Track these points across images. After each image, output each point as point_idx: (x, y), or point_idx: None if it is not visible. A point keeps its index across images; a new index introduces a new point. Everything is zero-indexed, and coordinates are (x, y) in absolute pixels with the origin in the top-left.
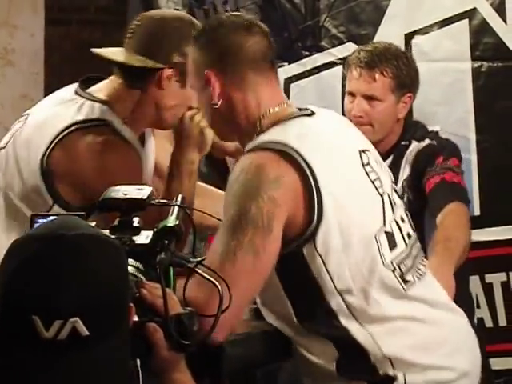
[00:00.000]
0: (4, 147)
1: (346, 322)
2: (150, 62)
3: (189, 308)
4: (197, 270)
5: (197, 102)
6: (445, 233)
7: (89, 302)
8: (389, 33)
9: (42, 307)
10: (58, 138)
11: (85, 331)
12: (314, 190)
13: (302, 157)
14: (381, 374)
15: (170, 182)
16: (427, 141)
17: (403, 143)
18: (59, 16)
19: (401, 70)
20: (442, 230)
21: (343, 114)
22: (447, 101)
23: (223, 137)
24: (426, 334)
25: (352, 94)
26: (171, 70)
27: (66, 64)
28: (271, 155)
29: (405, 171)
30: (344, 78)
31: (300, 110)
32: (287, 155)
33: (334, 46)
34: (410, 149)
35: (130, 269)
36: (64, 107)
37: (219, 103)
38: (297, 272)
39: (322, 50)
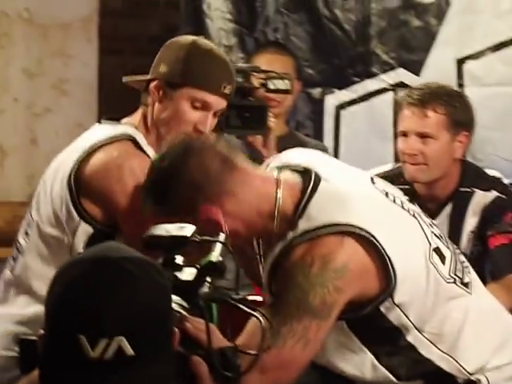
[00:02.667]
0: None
1: (427, 352)
2: (143, 77)
3: (232, 343)
4: (239, 304)
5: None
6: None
7: (133, 322)
8: (440, 58)
9: (88, 326)
10: (85, 155)
11: (130, 351)
12: (385, 254)
13: (357, 227)
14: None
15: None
16: (494, 193)
17: (463, 189)
18: (112, 45)
19: (454, 107)
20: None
21: (395, 142)
22: (500, 126)
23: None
24: (498, 331)
25: (405, 134)
26: (157, 80)
27: (119, 93)
28: (331, 240)
29: (471, 222)
30: (396, 104)
31: (298, 172)
32: (346, 233)
33: (385, 71)
34: (476, 199)
35: (173, 305)
36: (87, 134)
37: (229, 229)
38: (377, 327)
39: (372, 76)
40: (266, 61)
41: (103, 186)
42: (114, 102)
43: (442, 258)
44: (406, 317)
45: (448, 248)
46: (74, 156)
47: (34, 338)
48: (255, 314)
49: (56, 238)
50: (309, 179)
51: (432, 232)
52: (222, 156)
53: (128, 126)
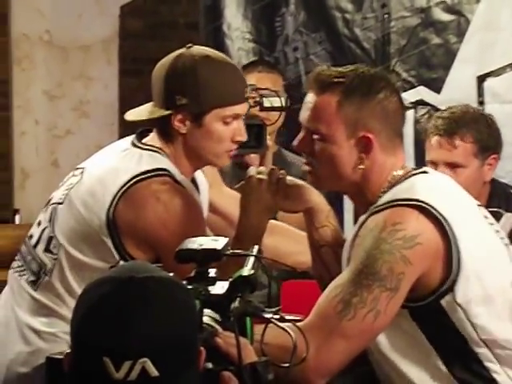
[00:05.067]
0: (61, 203)
1: (494, 372)
2: (158, 112)
3: (264, 357)
4: (272, 320)
5: (318, 152)
6: None
7: (157, 343)
8: (461, 76)
9: (112, 348)
10: (123, 190)
11: (154, 372)
12: (453, 242)
13: (437, 210)
14: None
15: (237, 245)
16: None
17: (491, 210)
18: (132, 67)
19: (481, 132)
20: None
21: (416, 161)
22: None
23: (323, 187)
24: None
25: (434, 163)
26: (179, 114)
27: None
28: (407, 211)
29: None
30: (416, 122)
31: (414, 169)
32: (424, 209)
33: (405, 90)
34: (504, 220)
35: (205, 319)
36: (123, 160)
37: (365, 164)
38: (439, 323)
39: None
40: (256, 79)
41: (149, 229)
42: (134, 124)
43: None
44: (470, 323)
45: None
46: (111, 189)
47: (61, 356)
48: (287, 329)
49: (88, 267)
50: (417, 170)
51: None
52: (400, 119)
53: (160, 155)
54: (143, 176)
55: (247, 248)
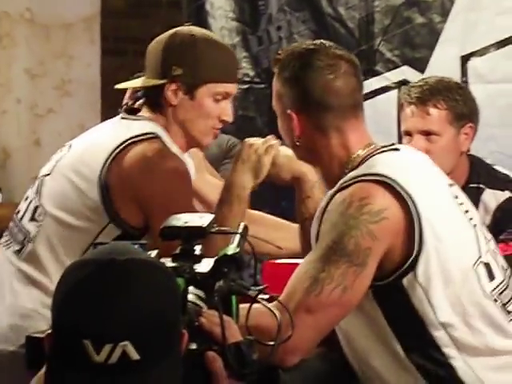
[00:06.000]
0: (49, 174)
1: (451, 357)
2: (152, 81)
3: (249, 336)
4: (257, 298)
5: (279, 126)
6: None
7: (138, 326)
8: (444, 55)
9: (92, 331)
10: (114, 154)
11: (135, 355)
12: (416, 220)
13: (401, 187)
14: None
15: (220, 206)
16: (507, 193)
17: (472, 185)
18: (115, 46)
19: (456, 100)
20: None
21: (399, 141)
22: (505, 123)
23: (302, 160)
24: None
25: (409, 134)
26: (174, 84)
27: (122, 94)
28: (374, 187)
29: (483, 219)
30: (399, 102)
31: (384, 146)
32: (389, 186)
33: (389, 70)
34: (487, 197)
35: (190, 297)
36: (113, 129)
37: (300, 142)
38: (398, 303)
39: (376, 74)
40: None
41: (139, 187)
42: (116, 103)
43: (491, 275)
44: (429, 303)
45: (503, 273)
46: (102, 154)
47: (41, 335)
48: (271, 308)
49: (77, 231)
50: (387, 146)
51: (488, 249)
52: (342, 100)
53: (152, 123)
54: (135, 139)
55: (230, 208)
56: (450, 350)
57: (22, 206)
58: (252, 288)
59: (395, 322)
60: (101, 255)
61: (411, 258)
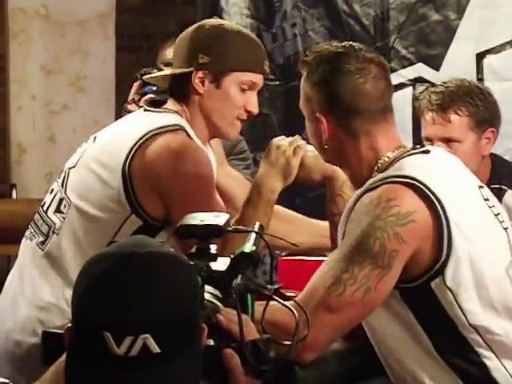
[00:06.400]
0: (74, 166)
1: (485, 357)
2: (179, 70)
3: (266, 334)
4: (274, 296)
5: (307, 128)
6: None
7: (159, 319)
8: (460, 53)
9: (113, 323)
10: (139, 144)
11: (156, 348)
12: (445, 224)
13: (430, 190)
14: None
15: (246, 207)
16: None
17: (494, 186)
18: (129, 43)
19: (477, 106)
20: None
21: (414, 138)
22: None
23: (330, 162)
24: None
25: (429, 140)
26: (200, 71)
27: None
28: (402, 188)
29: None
30: (415, 99)
31: (414, 148)
32: (418, 188)
33: (404, 67)
34: (509, 198)
35: (207, 295)
36: (137, 121)
37: (329, 145)
38: (428, 305)
39: (391, 71)
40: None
41: (161, 177)
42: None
43: None
44: (459, 307)
45: None
46: (126, 144)
47: (58, 330)
48: (289, 305)
49: (100, 222)
50: (417, 149)
51: None
52: (372, 103)
53: (177, 115)
54: (159, 130)
55: (256, 210)
56: (483, 351)
57: (47, 199)
58: (268, 286)
59: (426, 323)
60: (122, 248)
61: (440, 262)
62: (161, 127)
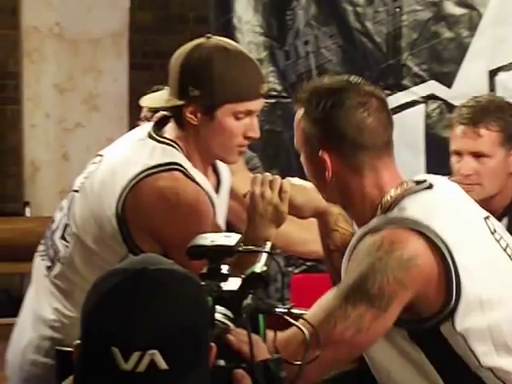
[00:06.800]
0: (77, 190)
1: None
2: (171, 101)
3: (276, 354)
4: (285, 316)
5: (305, 168)
6: None
7: (167, 335)
8: (472, 70)
9: (121, 338)
10: (132, 184)
11: (163, 365)
12: (452, 268)
13: (435, 233)
14: None
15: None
16: None
17: None
18: (142, 60)
19: (507, 121)
20: None
21: (427, 155)
22: None
23: (331, 202)
24: None
25: (458, 153)
26: (192, 104)
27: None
28: (406, 232)
29: None
30: (427, 117)
31: (417, 182)
32: (423, 232)
33: (416, 84)
34: None
35: (218, 316)
36: (136, 151)
37: (332, 183)
38: (439, 347)
39: (403, 88)
40: None
41: (154, 223)
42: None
43: None
44: (471, 350)
45: None
46: (120, 182)
47: (71, 349)
48: (299, 325)
49: (99, 258)
50: (420, 184)
51: None
52: (375, 138)
53: (173, 149)
54: (152, 170)
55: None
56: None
57: (57, 217)
58: (279, 306)
59: (438, 362)
60: (132, 265)
61: (449, 308)
62: (155, 166)
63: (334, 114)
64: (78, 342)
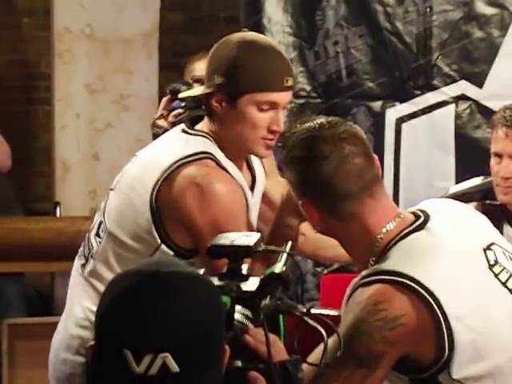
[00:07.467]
0: (113, 188)
1: None
2: (199, 90)
3: (295, 356)
4: (304, 317)
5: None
6: None
7: (179, 338)
8: (503, 70)
9: (133, 341)
10: (166, 174)
11: (175, 367)
12: (442, 321)
13: (421, 284)
14: None
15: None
16: None
17: None
18: (172, 61)
19: None
20: None
21: (457, 156)
22: None
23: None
24: None
25: (498, 155)
26: (218, 93)
27: None
28: (391, 290)
29: None
30: (457, 117)
31: (415, 215)
32: (409, 288)
33: (447, 84)
34: None
35: (237, 316)
36: (170, 145)
37: (320, 230)
38: None
39: (434, 88)
40: (196, 67)
41: (186, 212)
42: None
43: None
44: None
45: None
46: (154, 174)
47: None
48: (318, 327)
49: (131, 251)
50: (414, 222)
51: None
52: (355, 184)
53: (206, 139)
54: (186, 160)
55: None
56: None
57: (95, 218)
58: (299, 307)
59: None
60: (146, 267)
61: (443, 359)
62: (188, 156)
63: (305, 167)
64: (92, 343)
